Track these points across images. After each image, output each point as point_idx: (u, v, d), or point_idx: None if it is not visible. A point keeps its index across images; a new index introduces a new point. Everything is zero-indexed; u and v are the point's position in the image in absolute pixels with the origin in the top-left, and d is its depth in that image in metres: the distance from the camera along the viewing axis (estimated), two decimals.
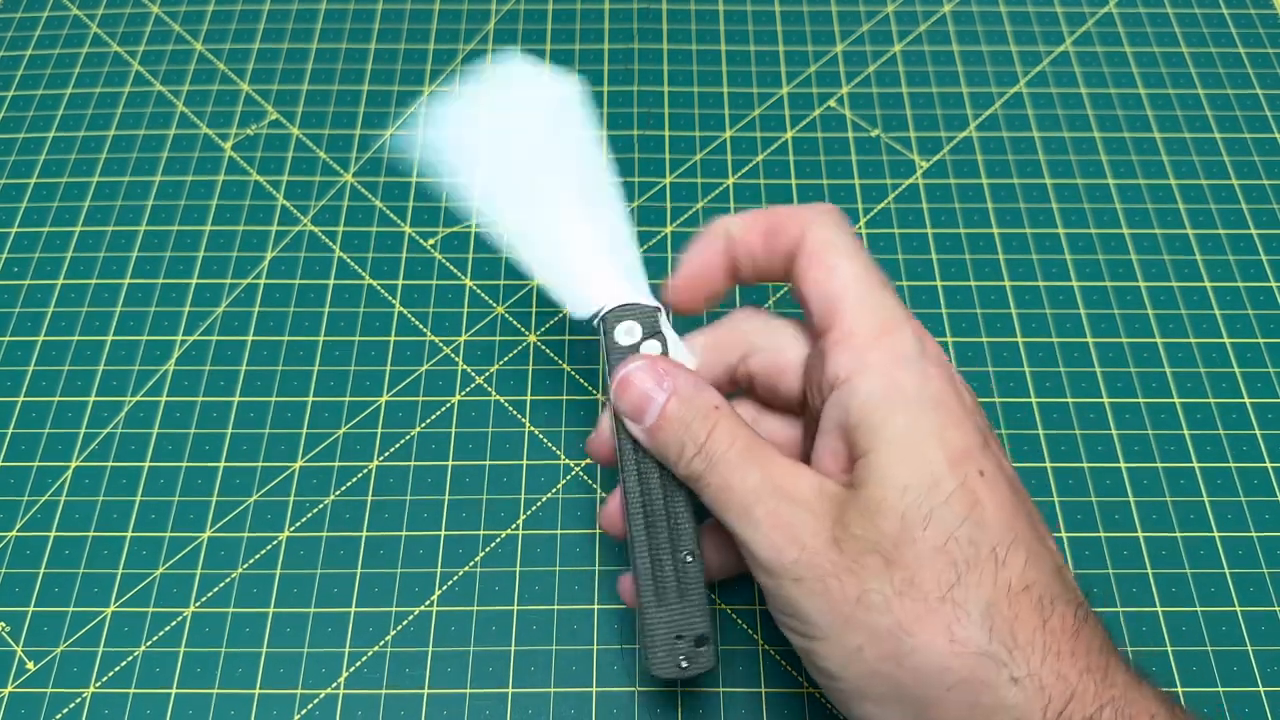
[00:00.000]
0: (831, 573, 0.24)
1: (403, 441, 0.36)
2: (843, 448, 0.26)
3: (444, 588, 0.33)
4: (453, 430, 0.36)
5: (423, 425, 0.36)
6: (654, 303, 0.29)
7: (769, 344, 0.29)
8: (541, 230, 0.30)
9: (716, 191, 0.42)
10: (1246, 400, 0.37)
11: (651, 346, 0.28)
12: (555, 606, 0.33)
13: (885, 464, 0.24)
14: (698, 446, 0.26)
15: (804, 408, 0.29)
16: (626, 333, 0.28)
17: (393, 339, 0.38)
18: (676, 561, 0.27)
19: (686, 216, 0.41)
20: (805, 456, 0.28)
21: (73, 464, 0.35)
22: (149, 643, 0.32)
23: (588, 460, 0.35)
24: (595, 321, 0.29)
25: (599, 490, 0.35)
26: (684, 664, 0.27)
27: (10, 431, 0.36)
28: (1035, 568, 0.23)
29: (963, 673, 0.22)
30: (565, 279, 0.29)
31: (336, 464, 0.35)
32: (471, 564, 0.33)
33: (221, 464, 0.35)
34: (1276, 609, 0.33)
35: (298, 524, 0.34)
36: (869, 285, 0.27)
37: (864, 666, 0.23)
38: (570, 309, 0.29)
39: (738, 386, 0.31)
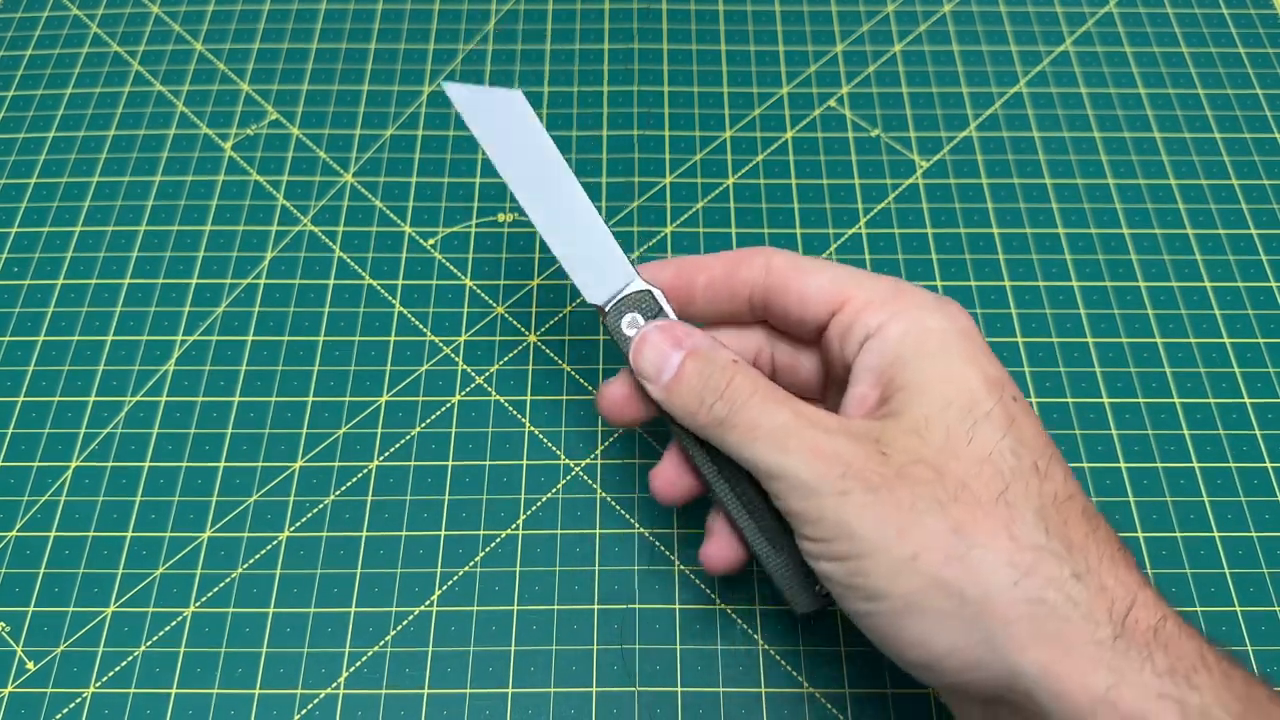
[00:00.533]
0: (880, 483, 0.24)
1: (403, 441, 0.36)
2: (874, 393, 0.26)
3: (444, 588, 0.33)
4: (453, 430, 0.36)
5: (423, 425, 0.36)
6: (646, 285, 0.29)
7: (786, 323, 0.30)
8: (560, 211, 0.30)
9: (716, 191, 0.42)
10: (1246, 400, 0.37)
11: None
12: (555, 606, 0.33)
13: (925, 385, 0.25)
14: (718, 393, 0.26)
15: (824, 390, 0.30)
16: (630, 324, 0.29)
17: (393, 339, 0.38)
18: (772, 504, 0.27)
19: (686, 216, 0.41)
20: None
21: (73, 464, 0.35)
22: (149, 643, 0.32)
23: (588, 460, 0.35)
24: (601, 317, 0.29)
25: (599, 490, 0.35)
26: (820, 589, 0.28)
27: (10, 431, 0.36)
28: (1075, 482, 0.24)
29: (1025, 567, 0.22)
30: (580, 261, 0.30)
31: (336, 464, 0.35)
32: (471, 564, 0.33)
33: (221, 464, 0.35)
34: (1276, 609, 0.33)
35: (298, 524, 0.34)
36: (860, 271, 0.28)
37: (918, 577, 0.23)
38: (585, 292, 0.29)
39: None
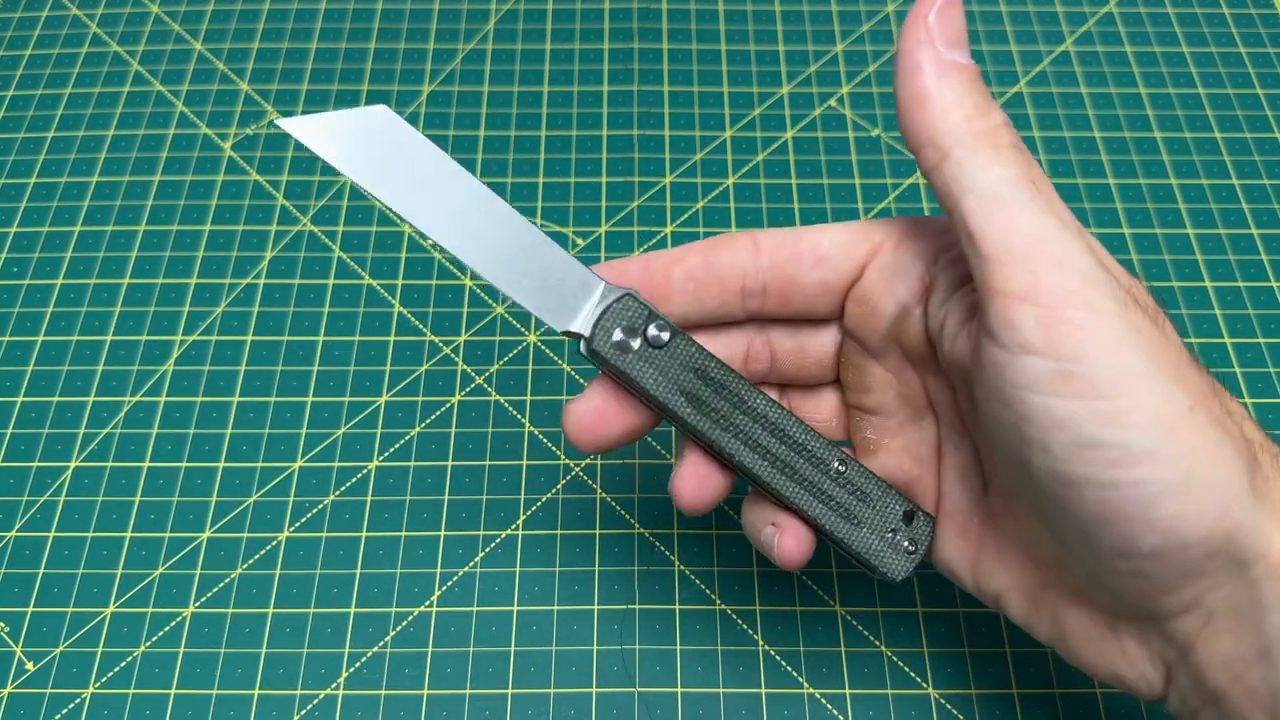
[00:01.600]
0: (1156, 315, 0.20)
1: (402, 442, 0.36)
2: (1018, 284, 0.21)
3: (444, 588, 0.33)
4: (452, 430, 0.36)
5: (422, 425, 0.36)
6: (621, 290, 0.25)
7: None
8: (488, 236, 0.25)
9: (716, 191, 0.42)
10: (1248, 400, 0.37)
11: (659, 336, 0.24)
12: (555, 607, 0.33)
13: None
14: (1004, 120, 0.21)
15: (838, 370, 0.27)
16: (620, 338, 0.24)
17: (392, 339, 0.38)
18: (834, 478, 0.25)
19: (686, 216, 0.41)
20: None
21: (72, 464, 0.35)
22: (148, 643, 0.32)
23: (588, 460, 0.35)
24: (582, 345, 0.25)
25: (599, 490, 0.35)
26: (910, 547, 0.25)
27: (10, 431, 0.36)
28: None
29: (1258, 440, 0.20)
30: (532, 287, 0.25)
31: (336, 464, 0.35)
32: (471, 564, 0.33)
33: (221, 464, 0.35)
34: None
35: (297, 524, 0.34)
36: (866, 220, 0.25)
37: (1192, 436, 0.19)
38: (551, 321, 0.25)
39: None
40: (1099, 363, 0.19)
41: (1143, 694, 0.22)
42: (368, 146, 0.24)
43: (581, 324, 0.24)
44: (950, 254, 0.24)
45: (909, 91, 0.21)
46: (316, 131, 0.23)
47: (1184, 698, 0.21)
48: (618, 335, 0.24)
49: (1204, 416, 0.19)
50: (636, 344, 0.24)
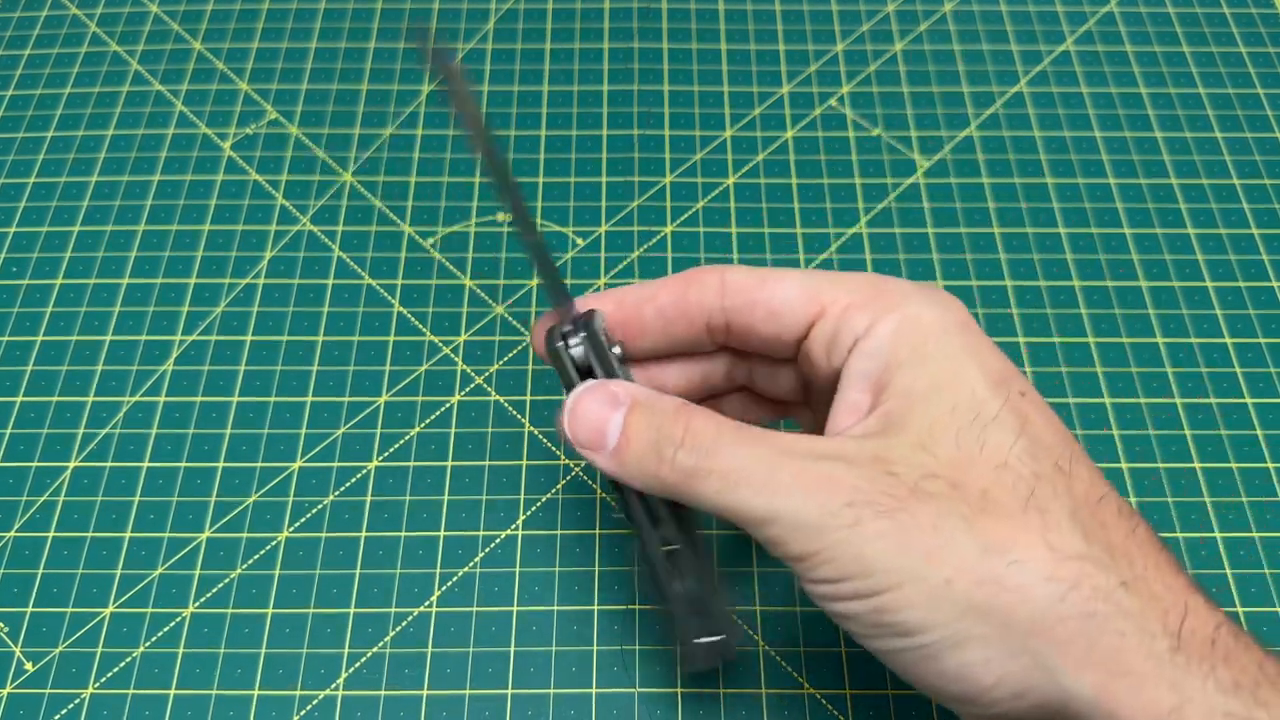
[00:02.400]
0: (894, 505, 0.21)
1: (402, 442, 0.36)
2: (866, 399, 0.24)
3: (443, 588, 0.33)
4: (452, 430, 0.36)
5: (422, 425, 0.36)
6: (576, 309, 0.26)
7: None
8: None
9: (716, 191, 0.42)
10: (1248, 400, 0.37)
11: (580, 351, 0.26)
12: (555, 607, 0.33)
13: (925, 389, 0.23)
14: (677, 443, 0.23)
15: (809, 403, 0.28)
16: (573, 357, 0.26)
17: (392, 339, 0.38)
18: (656, 564, 0.26)
19: (686, 216, 0.41)
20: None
21: (71, 464, 0.35)
22: (148, 644, 0.32)
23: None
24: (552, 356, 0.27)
25: (599, 490, 0.35)
26: (699, 650, 0.26)
27: (9, 432, 0.36)
28: (1102, 480, 0.22)
29: (1070, 580, 0.20)
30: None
31: (336, 464, 0.35)
32: (471, 564, 0.33)
33: (220, 464, 0.35)
34: (1279, 609, 0.33)
35: (297, 524, 0.34)
36: (830, 272, 0.26)
37: (956, 603, 0.21)
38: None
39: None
40: (856, 577, 0.21)
41: None
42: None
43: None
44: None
45: (607, 470, 0.25)
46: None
47: None
48: (573, 351, 0.26)
49: (969, 579, 0.21)
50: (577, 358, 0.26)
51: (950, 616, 0.21)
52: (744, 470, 0.23)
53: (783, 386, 0.28)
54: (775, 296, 0.25)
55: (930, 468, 0.22)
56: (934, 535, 0.21)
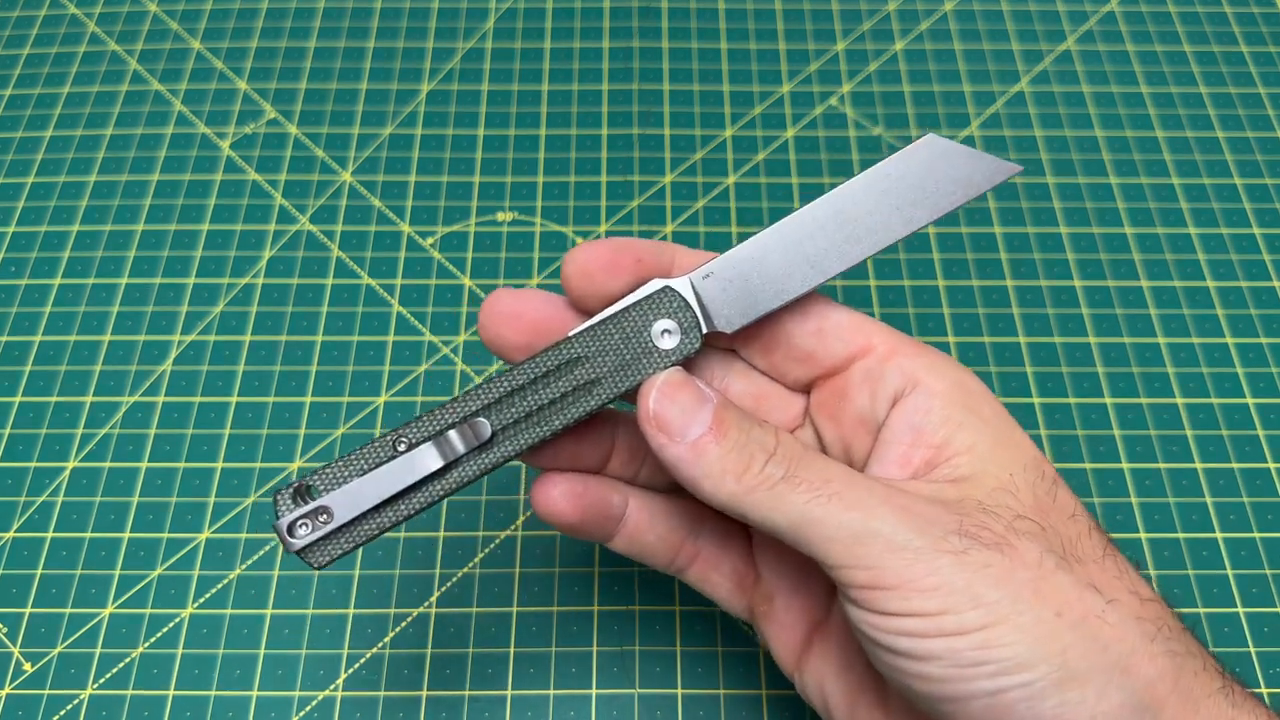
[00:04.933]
0: (999, 540, 0.21)
1: None
2: (919, 453, 0.24)
3: (443, 589, 0.33)
4: None
5: None
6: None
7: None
8: None
9: (716, 191, 0.41)
10: (1249, 400, 0.36)
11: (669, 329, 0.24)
12: (554, 608, 0.33)
13: (991, 448, 0.23)
14: (769, 450, 0.22)
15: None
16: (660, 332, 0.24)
17: (391, 339, 0.38)
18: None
19: (687, 216, 0.41)
20: None
21: (70, 464, 0.35)
22: (147, 644, 0.32)
23: None
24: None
25: None
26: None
27: (7, 432, 0.36)
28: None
29: (1154, 620, 0.21)
30: None
31: None
32: (471, 565, 0.33)
33: (219, 464, 0.35)
34: (1279, 609, 0.33)
35: None
36: (868, 316, 0.26)
37: (1064, 638, 0.20)
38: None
39: None
40: (961, 609, 0.20)
41: None
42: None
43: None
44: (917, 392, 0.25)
45: (681, 480, 0.23)
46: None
47: None
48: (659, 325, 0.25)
49: (1073, 615, 0.21)
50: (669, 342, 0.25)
51: (1057, 651, 0.20)
52: (838, 483, 0.22)
53: (775, 414, 0.27)
54: (827, 317, 0.25)
55: (1019, 511, 0.22)
56: (1038, 571, 0.21)
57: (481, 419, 0.24)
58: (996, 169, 0.25)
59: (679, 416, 0.23)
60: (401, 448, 0.24)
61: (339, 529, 0.23)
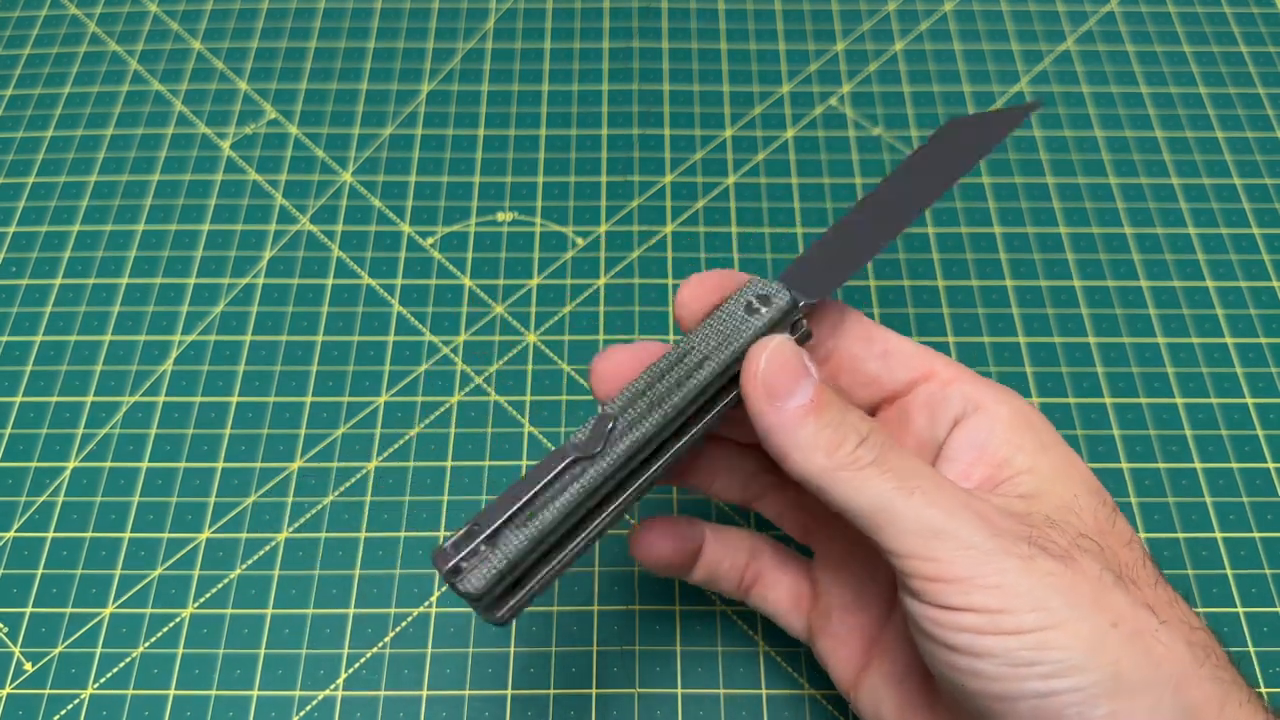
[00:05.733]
0: (1064, 553, 0.22)
1: (402, 442, 0.36)
2: (980, 470, 0.24)
3: (443, 588, 0.33)
4: (452, 430, 0.36)
5: (422, 426, 0.36)
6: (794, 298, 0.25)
7: None
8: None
9: (716, 191, 0.41)
10: (1249, 400, 0.37)
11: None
12: (555, 608, 0.33)
13: (1054, 472, 0.24)
14: (862, 435, 0.23)
15: None
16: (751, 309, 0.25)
17: (391, 339, 0.38)
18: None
19: (686, 216, 0.41)
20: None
21: (70, 464, 0.35)
22: (147, 644, 0.32)
23: None
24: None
25: None
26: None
27: (8, 432, 0.36)
28: None
29: (1204, 647, 0.22)
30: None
31: (335, 464, 0.35)
32: None
33: (220, 464, 0.35)
34: (1279, 609, 0.33)
35: (296, 525, 0.34)
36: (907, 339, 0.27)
37: (1118, 648, 0.21)
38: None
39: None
40: (1021, 610, 0.21)
41: None
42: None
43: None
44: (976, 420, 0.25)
45: (772, 449, 0.23)
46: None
47: None
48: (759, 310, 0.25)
49: (1128, 629, 0.21)
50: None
51: (1111, 660, 0.21)
52: (923, 479, 0.23)
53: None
54: (892, 341, 0.26)
55: (1081, 529, 0.23)
56: (1098, 584, 0.22)
57: (606, 411, 0.24)
58: (1014, 117, 0.27)
59: (785, 382, 0.23)
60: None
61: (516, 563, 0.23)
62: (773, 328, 0.25)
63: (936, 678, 0.24)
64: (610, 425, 0.24)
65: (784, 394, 0.23)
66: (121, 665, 0.32)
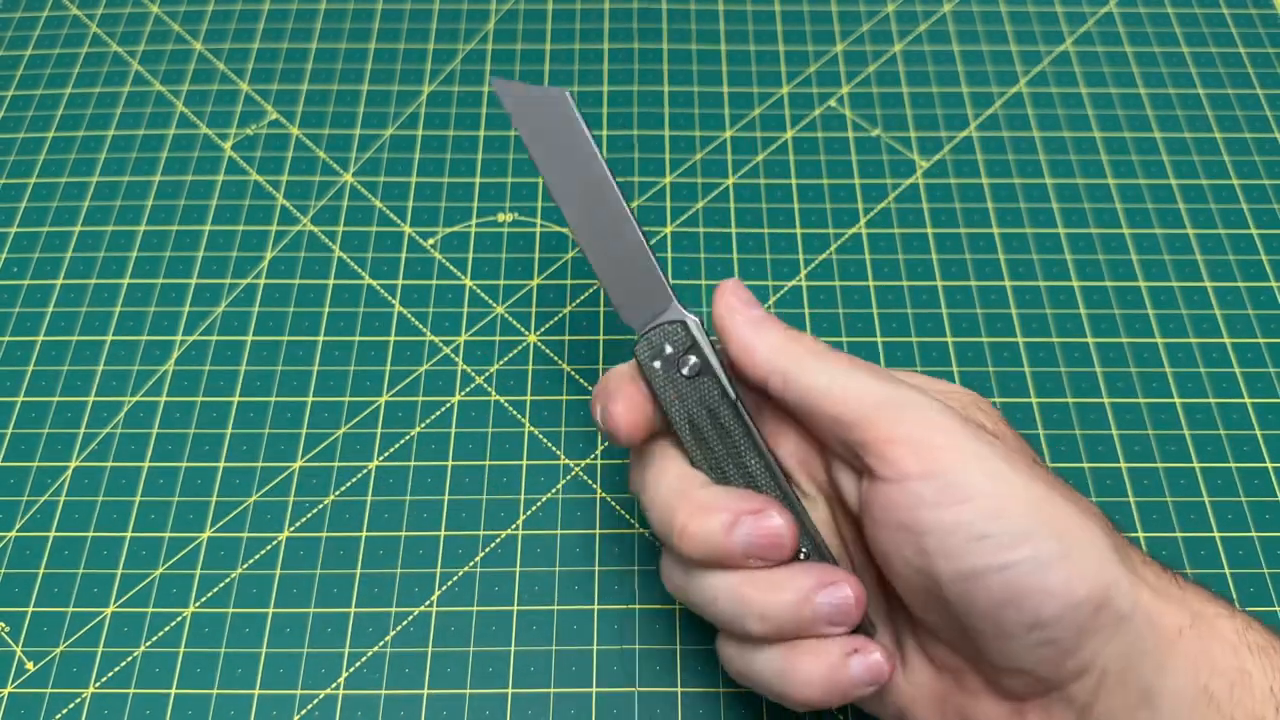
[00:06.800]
0: (993, 431, 0.25)
1: (402, 442, 0.36)
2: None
3: (444, 588, 0.33)
4: (452, 430, 0.36)
5: (422, 425, 0.36)
6: (681, 316, 0.27)
7: None
8: (602, 224, 0.28)
9: (716, 191, 0.42)
10: (1247, 400, 0.37)
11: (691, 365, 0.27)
12: (555, 607, 0.33)
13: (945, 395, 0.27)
14: (812, 337, 0.27)
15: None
16: (659, 357, 0.27)
17: (392, 339, 0.38)
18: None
19: (686, 216, 0.41)
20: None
21: (72, 464, 0.35)
22: (148, 643, 0.32)
23: (588, 460, 0.35)
24: (634, 348, 0.27)
25: (599, 490, 0.35)
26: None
27: (10, 431, 0.36)
28: None
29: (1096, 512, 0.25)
30: (618, 279, 0.28)
31: (336, 464, 0.35)
32: (471, 564, 0.33)
33: (221, 464, 0.35)
34: (1277, 609, 0.33)
35: (297, 524, 0.34)
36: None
37: (1058, 513, 0.23)
38: (620, 313, 0.28)
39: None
40: (970, 471, 0.23)
41: None
42: (544, 121, 0.28)
43: (639, 327, 0.27)
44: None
45: (738, 347, 0.26)
46: (516, 96, 0.29)
47: None
48: (664, 349, 0.27)
49: (1061, 497, 0.23)
50: (666, 366, 0.27)
51: (1055, 526, 0.23)
52: (869, 364, 0.26)
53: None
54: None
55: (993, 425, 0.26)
56: (1028, 460, 0.24)
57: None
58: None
59: (750, 298, 0.27)
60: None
61: None
62: (697, 349, 0.27)
63: (909, 583, 0.24)
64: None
65: (749, 303, 0.27)
66: (123, 664, 0.32)
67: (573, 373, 0.37)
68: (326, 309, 0.39)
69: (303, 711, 0.31)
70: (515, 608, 0.33)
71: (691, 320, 0.27)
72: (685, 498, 0.25)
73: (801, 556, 0.26)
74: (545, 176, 0.28)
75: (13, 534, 0.34)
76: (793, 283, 0.39)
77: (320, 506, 0.34)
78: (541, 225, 0.41)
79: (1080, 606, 0.22)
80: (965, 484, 0.23)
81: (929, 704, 0.26)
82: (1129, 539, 0.25)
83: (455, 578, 0.33)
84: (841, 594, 0.24)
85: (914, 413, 0.24)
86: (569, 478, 0.35)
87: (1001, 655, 0.23)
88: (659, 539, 0.27)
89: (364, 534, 0.34)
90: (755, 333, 0.26)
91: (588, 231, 0.28)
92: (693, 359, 0.26)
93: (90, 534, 0.34)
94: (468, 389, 0.37)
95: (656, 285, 0.27)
